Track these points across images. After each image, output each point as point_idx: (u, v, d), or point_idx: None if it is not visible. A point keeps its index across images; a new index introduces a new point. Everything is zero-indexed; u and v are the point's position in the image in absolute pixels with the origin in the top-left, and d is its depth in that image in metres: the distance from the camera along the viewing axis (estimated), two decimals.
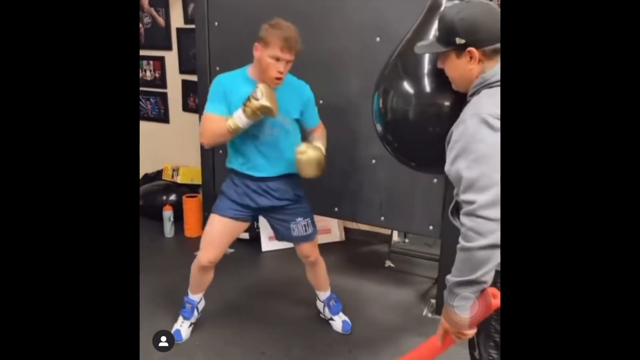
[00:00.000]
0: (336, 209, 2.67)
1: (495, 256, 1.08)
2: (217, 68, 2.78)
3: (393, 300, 2.70)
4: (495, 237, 1.06)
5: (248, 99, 1.83)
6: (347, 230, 3.45)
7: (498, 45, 1.19)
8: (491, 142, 1.09)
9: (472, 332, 1.22)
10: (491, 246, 1.07)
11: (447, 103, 1.34)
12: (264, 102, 1.80)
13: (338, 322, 2.43)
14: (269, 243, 3.28)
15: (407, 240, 3.33)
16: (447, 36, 1.23)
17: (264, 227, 3.21)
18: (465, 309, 1.16)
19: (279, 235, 2.28)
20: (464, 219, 1.11)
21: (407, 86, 1.40)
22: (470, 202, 1.10)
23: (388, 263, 3.08)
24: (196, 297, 2.33)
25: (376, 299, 2.69)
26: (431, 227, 2.46)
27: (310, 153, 1.96)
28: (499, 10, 1.27)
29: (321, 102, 2.45)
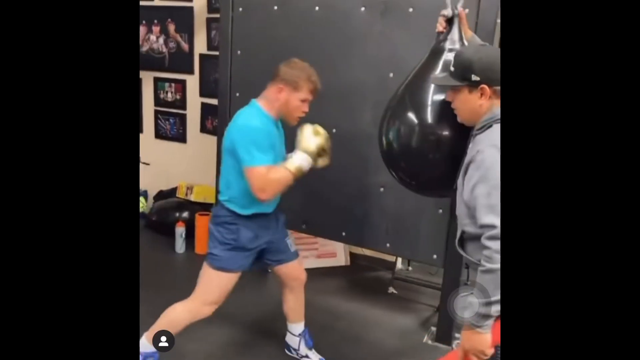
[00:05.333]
0: (344, 234, 2.76)
1: None
2: (237, 94, 2.91)
3: (394, 326, 2.75)
4: None
5: (322, 150, 1.91)
6: (352, 255, 3.52)
7: None
8: None
9: (491, 352, 1.27)
10: None
11: (445, 133, 1.52)
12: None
13: (314, 359, 2.30)
14: None
15: (410, 268, 3.39)
16: (462, 72, 1.35)
17: None
18: (489, 329, 1.23)
19: (275, 260, 2.14)
20: (488, 242, 1.18)
21: (411, 116, 1.60)
22: (493, 226, 1.18)
23: (391, 289, 3.14)
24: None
25: (378, 324, 2.75)
26: (435, 256, 2.53)
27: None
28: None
29: (334, 130, 2.56)
